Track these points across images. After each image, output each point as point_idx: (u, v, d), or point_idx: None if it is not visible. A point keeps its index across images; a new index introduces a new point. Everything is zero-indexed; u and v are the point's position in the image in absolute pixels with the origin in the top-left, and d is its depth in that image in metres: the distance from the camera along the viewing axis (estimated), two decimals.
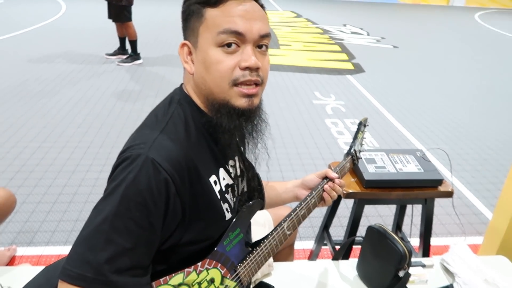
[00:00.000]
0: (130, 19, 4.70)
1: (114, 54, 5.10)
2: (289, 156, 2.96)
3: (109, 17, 4.72)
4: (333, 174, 1.11)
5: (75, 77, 4.36)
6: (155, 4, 9.35)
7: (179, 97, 0.87)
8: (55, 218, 2.17)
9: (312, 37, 7.15)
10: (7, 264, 1.79)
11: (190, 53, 0.85)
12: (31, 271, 1.19)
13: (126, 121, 3.16)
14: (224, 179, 0.89)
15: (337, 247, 1.72)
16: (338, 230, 2.17)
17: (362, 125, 1.28)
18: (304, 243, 2.09)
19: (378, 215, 2.35)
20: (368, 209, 2.36)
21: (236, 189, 0.94)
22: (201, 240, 0.86)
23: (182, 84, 0.91)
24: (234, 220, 0.91)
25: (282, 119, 3.59)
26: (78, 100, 3.75)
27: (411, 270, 1.30)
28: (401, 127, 3.60)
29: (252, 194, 1.01)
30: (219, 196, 0.86)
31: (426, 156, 1.62)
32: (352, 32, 7.87)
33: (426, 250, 1.63)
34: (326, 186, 1.09)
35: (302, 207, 1.04)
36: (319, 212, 2.25)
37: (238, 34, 0.79)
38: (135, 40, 4.86)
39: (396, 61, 5.96)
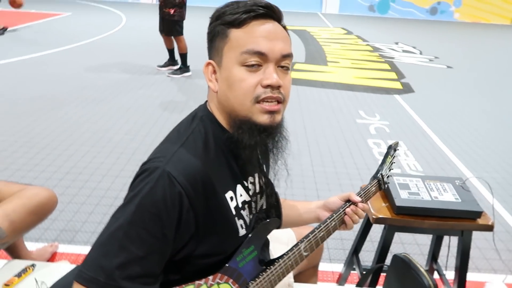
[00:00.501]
0: (181, 33, 4.90)
1: (165, 65, 5.33)
2: (327, 175, 2.92)
3: (161, 30, 4.95)
4: (356, 198, 1.09)
5: (128, 86, 4.61)
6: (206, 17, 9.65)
7: (202, 114, 0.90)
8: (96, 219, 2.28)
9: (361, 54, 7.06)
10: (48, 260, 1.91)
11: (214, 72, 0.88)
12: (67, 269, 1.27)
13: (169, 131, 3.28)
14: (241, 195, 0.90)
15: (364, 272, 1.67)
16: (369, 255, 2.10)
17: (392, 149, 1.25)
18: (334, 266, 2.05)
19: (416, 243, 2.24)
20: (404, 236, 2.27)
21: (254, 205, 0.95)
22: (214, 254, 0.87)
23: (206, 101, 0.94)
24: (249, 236, 0.92)
25: (323, 137, 3.56)
26: (128, 108, 3.95)
27: None
28: (448, 151, 3.44)
29: (269, 212, 1.02)
30: (234, 212, 0.88)
31: (466, 186, 1.53)
32: (404, 51, 7.67)
33: (461, 286, 1.53)
34: (348, 210, 1.07)
35: (321, 229, 1.02)
36: (352, 235, 2.19)
37: (260, 54, 0.82)
38: (186, 53, 5.05)
39: (449, 82, 5.71)
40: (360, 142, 3.52)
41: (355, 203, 1.09)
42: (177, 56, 5.21)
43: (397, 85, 5.38)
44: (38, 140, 3.18)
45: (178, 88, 4.69)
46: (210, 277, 0.86)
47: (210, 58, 0.90)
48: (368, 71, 6.00)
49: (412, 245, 2.22)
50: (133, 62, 5.60)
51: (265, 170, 1.00)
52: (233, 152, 0.89)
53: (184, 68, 5.15)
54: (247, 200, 0.92)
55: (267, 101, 0.83)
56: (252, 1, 0.85)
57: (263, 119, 0.84)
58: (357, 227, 1.79)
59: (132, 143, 3.23)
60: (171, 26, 4.83)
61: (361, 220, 1.73)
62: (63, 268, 1.33)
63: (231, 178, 0.89)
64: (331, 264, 2.05)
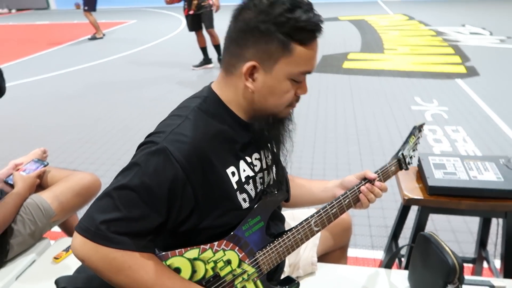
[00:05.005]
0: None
1: (200, 65, 5.47)
2: (375, 163, 2.83)
3: (195, 29, 5.13)
4: (372, 175, 1.06)
5: (192, 82, 4.82)
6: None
7: (206, 95, 0.93)
8: None
9: (422, 40, 6.66)
10: None
11: (253, 72, 0.86)
12: None
13: None
14: (244, 170, 0.92)
15: (403, 259, 1.60)
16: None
17: (416, 129, 1.20)
18: (376, 253, 1.98)
19: (469, 232, 2.09)
20: (456, 224, 2.13)
21: (260, 181, 0.97)
22: (219, 226, 0.91)
23: (211, 83, 0.97)
24: (255, 207, 0.94)
25: (374, 125, 3.44)
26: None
27: None
28: None
29: (277, 186, 1.03)
30: (236, 187, 0.90)
31: (511, 164, 1.41)
32: (471, 33, 7.09)
33: (508, 272, 1.41)
34: (363, 188, 1.05)
35: (333, 205, 1.01)
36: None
37: (309, 73, 0.88)
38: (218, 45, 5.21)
39: None
40: None
41: (370, 181, 1.06)
42: (211, 48, 5.36)
43: (461, 69, 5.01)
44: (100, 136, 3.46)
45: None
46: (216, 243, 0.90)
47: (245, 55, 0.84)
48: (428, 56, 5.65)
49: (463, 233, 2.08)
50: (187, 62, 5.82)
51: (274, 149, 1.00)
52: (237, 131, 0.92)
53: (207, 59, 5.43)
54: (250, 175, 0.94)
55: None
56: (312, 11, 0.82)
57: (285, 113, 0.94)
58: (396, 211, 1.73)
59: None
60: (210, 16, 4.99)
61: (397, 203, 1.66)
62: None
63: (233, 154, 0.91)
64: (373, 251, 1.99)
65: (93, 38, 7.89)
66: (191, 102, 0.93)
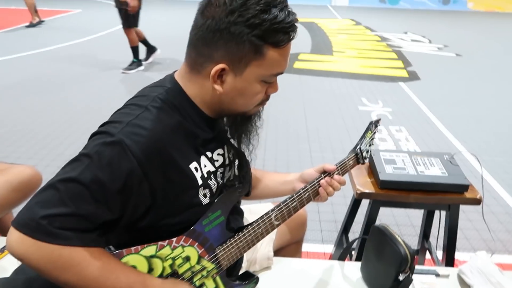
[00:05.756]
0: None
1: (147, 57, 5.17)
2: (325, 160, 2.86)
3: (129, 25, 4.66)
4: (331, 167, 1.07)
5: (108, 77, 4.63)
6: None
7: (169, 86, 0.87)
8: None
9: (368, 44, 6.96)
10: None
11: (220, 74, 0.81)
12: None
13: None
14: (205, 166, 0.89)
15: (354, 252, 1.65)
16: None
17: (373, 124, 1.23)
18: (326, 247, 2.03)
19: (411, 225, 2.21)
20: (400, 218, 2.24)
21: (220, 176, 0.94)
22: (177, 223, 0.86)
23: (174, 72, 0.91)
24: (215, 201, 0.91)
25: (323, 124, 3.53)
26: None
27: (422, 278, 1.22)
28: (452, 137, 3.37)
29: (239, 180, 1.00)
30: (200, 182, 0.86)
31: (454, 160, 1.50)
32: (413, 40, 7.53)
33: (449, 262, 1.50)
34: (322, 181, 1.05)
35: (294, 199, 1.01)
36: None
37: (281, 74, 0.86)
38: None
39: (457, 70, 5.59)
40: (361, 128, 3.43)
41: (329, 173, 1.07)
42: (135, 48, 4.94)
43: (403, 73, 5.29)
44: (41, 128, 3.23)
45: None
46: (174, 239, 0.85)
47: (215, 57, 0.80)
48: (374, 60, 5.91)
49: (406, 227, 2.19)
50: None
51: (236, 144, 0.98)
52: (199, 125, 0.87)
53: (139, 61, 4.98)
54: (211, 170, 0.90)
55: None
56: (287, 9, 0.78)
57: (253, 112, 0.92)
58: (346, 207, 1.78)
59: None
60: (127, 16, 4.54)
61: (346, 199, 1.71)
62: None
63: (194, 149, 0.87)
64: (323, 245, 2.03)
65: (31, 25, 7.37)
66: (152, 91, 0.86)
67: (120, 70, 4.85)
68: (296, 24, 0.80)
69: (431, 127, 3.57)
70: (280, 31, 0.77)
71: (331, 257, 1.83)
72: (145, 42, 5.10)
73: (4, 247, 1.31)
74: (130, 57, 4.90)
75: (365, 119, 3.67)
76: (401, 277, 1.06)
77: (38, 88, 4.21)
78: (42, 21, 7.60)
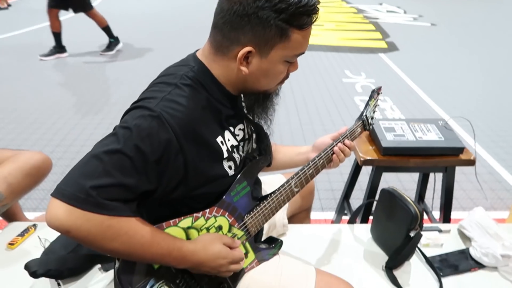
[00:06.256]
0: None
1: (51, 53, 4.58)
2: (315, 132, 2.97)
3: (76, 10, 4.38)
4: (343, 130, 1.15)
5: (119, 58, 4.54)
6: None
7: (194, 65, 0.90)
8: None
9: (346, 16, 7.00)
10: None
11: (247, 56, 0.84)
12: None
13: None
14: (229, 140, 0.93)
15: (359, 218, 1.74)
16: (360, 203, 2.18)
17: (375, 92, 1.29)
18: (326, 214, 2.12)
19: (403, 189, 2.32)
20: (393, 183, 2.35)
21: (241, 149, 0.98)
22: (206, 194, 0.91)
23: (196, 52, 0.94)
24: (241, 173, 0.96)
25: (310, 97, 3.59)
26: (113, 81, 3.91)
27: (427, 234, 1.32)
28: (434, 105, 3.50)
29: (260, 152, 1.05)
30: (226, 155, 0.91)
31: (449, 125, 1.59)
32: (388, 11, 7.61)
33: (446, 220, 1.62)
34: (335, 148, 1.11)
35: (310, 166, 1.07)
36: (342, 185, 2.27)
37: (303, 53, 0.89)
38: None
39: (433, 39, 5.73)
40: (347, 100, 3.56)
41: (340, 140, 1.13)
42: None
43: (382, 44, 5.38)
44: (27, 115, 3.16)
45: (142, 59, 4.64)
46: (207, 210, 0.91)
47: (242, 40, 0.82)
48: (352, 32, 5.97)
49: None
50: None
51: (256, 119, 1.02)
52: (223, 102, 0.91)
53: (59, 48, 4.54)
54: (234, 144, 0.95)
55: None
56: None
57: (274, 90, 0.97)
58: (347, 174, 1.86)
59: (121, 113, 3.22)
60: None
61: (350, 164, 1.79)
62: None
63: (219, 124, 0.91)
64: (323, 213, 2.12)
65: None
66: (178, 70, 0.89)
67: (99, 53, 4.73)
68: (318, 6, 0.84)
69: (414, 96, 3.69)
70: (304, 14, 0.81)
71: (333, 223, 1.93)
72: (59, 35, 4.54)
73: (24, 231, 1.33)
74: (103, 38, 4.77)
75: (350, 91, 3.75)
76: (412, 234, 1.15)
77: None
78: (9, 5, 7.24)
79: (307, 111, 3.32)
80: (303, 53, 0.89)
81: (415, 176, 2.29)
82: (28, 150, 1.48)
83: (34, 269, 1.05)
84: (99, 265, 1.19)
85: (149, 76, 0.97)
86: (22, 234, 1.32)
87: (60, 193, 0.72)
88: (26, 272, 1.08)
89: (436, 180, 1.71)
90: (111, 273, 1.16)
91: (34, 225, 1.37)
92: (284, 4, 0.79)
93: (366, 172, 1.81)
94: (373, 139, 1.56)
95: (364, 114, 1.25)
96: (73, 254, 1.15)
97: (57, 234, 1.24)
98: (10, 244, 1.28)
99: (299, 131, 2.98)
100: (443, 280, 1.16)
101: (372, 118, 1.29)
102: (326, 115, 3.26)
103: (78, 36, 5.22)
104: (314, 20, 0.84)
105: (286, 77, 0.94)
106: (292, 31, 0.82)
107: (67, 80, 3.99)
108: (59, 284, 1.12)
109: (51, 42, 4.51)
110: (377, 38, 5.66)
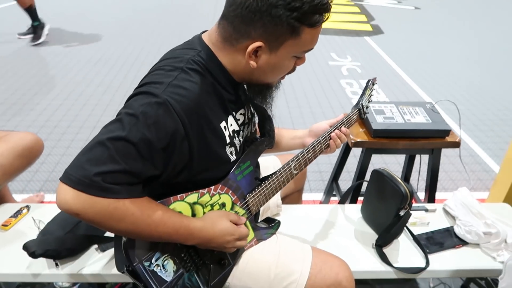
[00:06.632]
0: None
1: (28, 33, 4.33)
2: (303, 115, 3.00)
3: None
4: (341, 117, 1.18)
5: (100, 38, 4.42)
6: None
7: (200, 49, 0.89)
8: None
9: None
10: None
11: (256, 50, 0.85)
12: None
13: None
14: (231, 125, 0.95)
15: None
16: (348, 184, 2.24)
17: (370, 83, 1.32)
18: (314, 195, 2.17)
19: None
20: (379, 165, 2.41)
21: (242, 134, 1.00)
22: (208, 179, 0.93)
23: (201, 34, 0.93)
24: (245, 153, 0.98)
25: (297, 80, 3.60)
26: (97, 61, 3.83)
27: (414, 213, 1.37)
28: (418, 88, 3.57)
29: (264, 135, 1.07)
30: (228, 140, 0.92)
31: (436, 108, 1.64)
32: None
33: (431, 200, 1.68)
34: (333, 134, 1.15)
35: (309, 150, 1.10)
36: (329, 167, 2.31)
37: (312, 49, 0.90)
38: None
39: (416, 22, 5.79)
40: (334, 83, 3.59)
41: (337, 126, 1.16)
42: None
43: (367, 27, 5.41)
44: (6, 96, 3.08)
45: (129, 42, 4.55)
46: (212, 187, 0.93)
47: (252, 35, 0.83)
48: (338, 14, 5.97)
49: None
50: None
51: (258, 103, 1.03)
52: (226, 88, 0.92)
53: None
54: (236, 129, 0.97)
55: None
56: None
57: (276, 82, 0.98)
58: (335, 157, 1.90)
59: (106, 94, 3.17)
60: None
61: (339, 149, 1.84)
62: (55, 207, 1.36)
63: (223, 109, 0.92)
64: (311, 194, 2.17)
65: None
66: (184, 53, 0.89)
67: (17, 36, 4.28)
68: (330, 4, 0.84)
69: (398, 79, 3.75)
70: (317, 13, 0.81)
71: (321, 203, 1.98)
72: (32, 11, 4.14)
73: (18, 212, 1.33)
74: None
75: (336, 74, 3.78)
76: (401, 213, 1.20)
77: None
78: None
79: (294, 94, 3.34)
80: (312, 49, 0.90)
81: (400, 159, 2.36)
82: (19, 131, 1.46)
83: (33, 250, 1.06)
84: (96, 246, 1.20)
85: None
86: (15, 216, 1.32)
87: (68, 178, 0.75)
88: (21, 253, 1.08)
89: (421, 162, 1.77)
90: (107, 253, 1.18)
91: (27, 207, 1.36)
92: (298, 3, 0.79)
93: (353, 155, 1.86)
94: (364, 121, 1.60)
95: (360, 102, 1.28)
96: (71, 234, 1.15)
97: (52, 215, 1.25)
98: (3, 225, 1.28)
99: (286, 113, 3.00)
100: (430, 256, 1.22)
101: (367, 107, 1.32)
102: (313, 98, 3.29)
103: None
104: (326, 18, 0.85)
105: (293, 70, 0.95)
106: (303, 29, 0.82)
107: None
108: (56, 264, 1.13)
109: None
110: (362, 21, 5.68)
